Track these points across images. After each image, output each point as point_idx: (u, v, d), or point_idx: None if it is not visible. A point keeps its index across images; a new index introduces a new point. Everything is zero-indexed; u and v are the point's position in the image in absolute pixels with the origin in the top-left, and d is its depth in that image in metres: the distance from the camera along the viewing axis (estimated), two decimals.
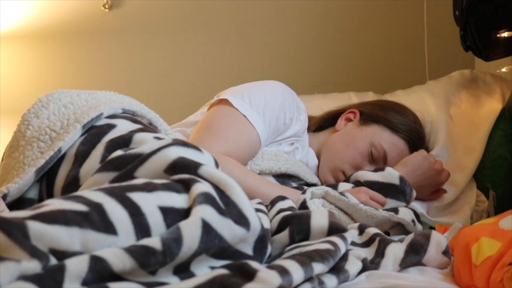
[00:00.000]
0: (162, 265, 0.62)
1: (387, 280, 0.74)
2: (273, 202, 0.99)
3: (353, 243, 0.88)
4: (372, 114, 1.36)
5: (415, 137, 1.34)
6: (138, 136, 0.89)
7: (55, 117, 0.95)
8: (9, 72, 2.18)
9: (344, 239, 0.79)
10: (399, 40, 2.07)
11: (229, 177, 0.75)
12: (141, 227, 0.65)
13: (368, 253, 0.86)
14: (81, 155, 0.88)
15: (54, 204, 0.63)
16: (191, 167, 0.76)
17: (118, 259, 0.59)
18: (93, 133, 0.91)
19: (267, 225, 0.85)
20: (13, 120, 0.99)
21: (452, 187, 1.35)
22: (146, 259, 0.60)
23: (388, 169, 1.20)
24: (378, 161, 1.30)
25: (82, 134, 0.92)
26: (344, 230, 0.83)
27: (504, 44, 1.34)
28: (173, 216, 0.68)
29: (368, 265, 0.80)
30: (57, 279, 0.56)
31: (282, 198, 1.00)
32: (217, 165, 0.83)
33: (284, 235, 0.85)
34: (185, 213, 0.68)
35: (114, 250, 0.60)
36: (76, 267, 0.57)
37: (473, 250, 0.75)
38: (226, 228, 0.68)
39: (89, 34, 2.16)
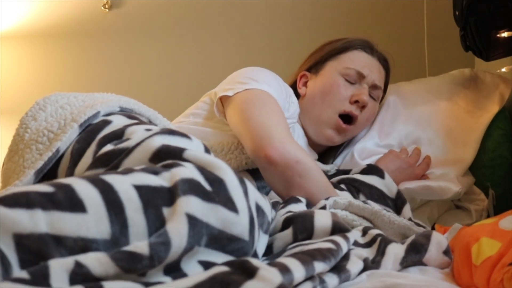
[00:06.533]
0: (150, 268, 0.62)
1: (387, 279, 0.74)
2: (287, 202, 0.99)
3: (356, 244, 0.88)
4: (318, 61, 1.43)
5: (360, 41, 1.42)
6: (130, 129, 0.88)
7: (52, 119, 0.94)
8: (9, 72, 2.18)
9: (346, 238, 0.79)
10: (399, 40, 2.07)
11: (218, 160, 0.74)
12: (113, 204, 0.64)
13: (369, 253, 0.86)
14: (76, 154, 0.88)
15: (21, 187, 0.63)
16: (176, 152, 0.75)
17: (102, 266, 0.59)
18: (88, 130, 0.91)
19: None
20: (13, 120, 0.99)
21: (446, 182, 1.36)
22: (132, 265, 0.60)
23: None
24: (356, 79, 1.35)
25: (80, 133, 0.91)
26: (347, 230, 0.83)
27: (504, 44, 1.34)
28: (150, 192, 0.66)
29: (369, 265, 0.80)
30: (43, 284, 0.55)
31: (296, 200, 1.00)
32: (208, 151, 0.83)
33: (288, 233, 0.85)
34: (168, 192, 0.67)
35: (99, 255, 0.59)
36: (59, 275, 0.56)
37: (473, 251, 0.75)
38: (213, 215, 0.67)
39: (89, 34, 2.16)
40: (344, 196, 1.13)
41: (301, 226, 0.85)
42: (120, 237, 0.63)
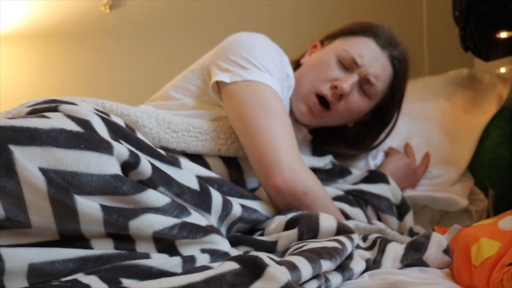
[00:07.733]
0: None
1: (389, 277, 0.75)
2: (289, 210, 0.99)
3: (358, 247, 0.89)
4: (331, 35, 1.33)
5: (379, 31, 1.27)
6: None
7: None
8: (9, 72, 2.18)
9: (350, 239, 0.81)
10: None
11: (91, 113, 0.75)
12: None
13: (371, 255, 0.87)
14: None
15: None
16: (51, 108, 0.76)
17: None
18: None
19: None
20: None
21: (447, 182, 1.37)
22: None
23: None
24: (349, 66, 1.23)
25: None
26: (352, 231, 0.85)
27: (503, 44, 1.34)
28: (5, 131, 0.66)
29: (371, 266, 0.82)
30: None
31: (296, 211, 1.00)
32: (104, 114, 0.82)
33: (293, 233, 0.86)
34: (20, 132, 0.67)
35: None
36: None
37: (472, 251, 0.76)
38: (75, 161, 0.67)
39: (89, 34, 2.16)
40: (358, 215, 1.14)
41: (307, 227, 0.85)
42: None
